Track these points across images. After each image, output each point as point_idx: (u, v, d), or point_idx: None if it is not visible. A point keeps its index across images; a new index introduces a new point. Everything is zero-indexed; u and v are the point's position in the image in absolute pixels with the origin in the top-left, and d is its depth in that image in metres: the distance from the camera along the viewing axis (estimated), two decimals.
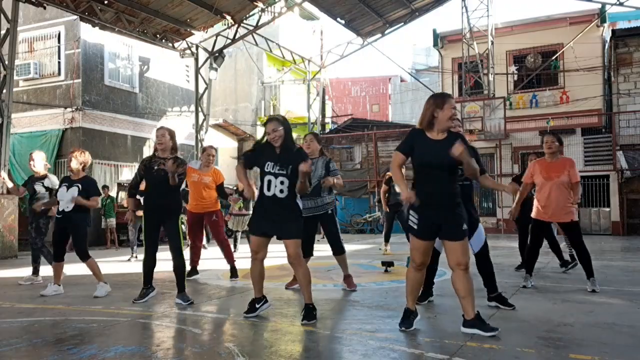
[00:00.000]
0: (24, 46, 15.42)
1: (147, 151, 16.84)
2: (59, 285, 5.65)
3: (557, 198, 5.28)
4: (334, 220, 5.62)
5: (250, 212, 9.79)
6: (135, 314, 4.51)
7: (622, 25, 19.97)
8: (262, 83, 22.94)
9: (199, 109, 16.69)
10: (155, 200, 4.97)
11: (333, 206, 5.61)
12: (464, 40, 17.79)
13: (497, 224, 17.40)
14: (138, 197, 5.48)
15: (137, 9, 13.78)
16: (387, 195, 9.75)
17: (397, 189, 7.84)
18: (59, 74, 15.21)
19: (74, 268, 6.87)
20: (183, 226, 6.24)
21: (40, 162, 6.62)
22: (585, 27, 17.54)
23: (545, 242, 6.28)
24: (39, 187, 6.56)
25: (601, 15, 17.40)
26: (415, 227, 3.60)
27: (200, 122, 16.67)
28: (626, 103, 17.12)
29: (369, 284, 6.07)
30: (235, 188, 9.10)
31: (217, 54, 16.65)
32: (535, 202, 5.52)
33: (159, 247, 5.16)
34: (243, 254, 9.88)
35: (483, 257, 4.54)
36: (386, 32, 18.79)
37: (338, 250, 5.60)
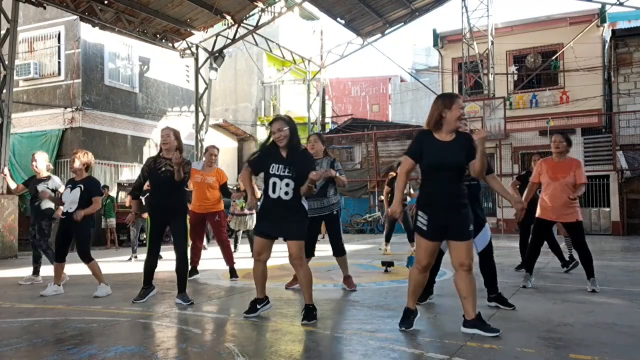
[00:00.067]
0: (24, 46, 15.43)
1: (147, 151, 16.85)
2: (59, 285, 5.66)
3: (562, 198, 5.27)
4: (338, 221, 5.62)
5: (251, 212, 9.81)
6: (135, 314, 4.50)
7: (622, 25, 19.98)
8: (262, 83, 22.94)
9: (199, 109, 16.69)
10: (160, 200, 4.98)
11: (339, 207, 5.62)
12: (464, 40, 17.80)
13: (497, 224, 17.40)
14: (141, 197, 5.50)
15: (137, 9, 13.78)
16: (389, 196, 9.76)
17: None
18: (59, 74, 15.22)
19: (74, 268, 6.86)
20: None
21: (42, 163, 6.63)
22: (585, 27, 17.55)
23: (545, 243, 6.28)
24: (41, 188, 6.56)
25: (601, 15, 17.41)
26: (424, 228, 3.55)
27: (200, 122, 16.67)
28: (626, 103, 17.13)
29: (369, 284, 6.06)
30: (236, 188, 9.12)
31: (217, 54, 16.65)
32: (540, 202, 5.51)
33: (161, 246, 5.15)
34: (243, 254, 9.89)
35: (487, 256, 4.54)
36: (386, 32, 18.79)
37: (339, 251, 5.60)
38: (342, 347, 3.40)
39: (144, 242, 13.81)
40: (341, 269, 5.69)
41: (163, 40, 15.65)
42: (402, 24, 18.46)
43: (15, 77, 12.62)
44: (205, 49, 16.80)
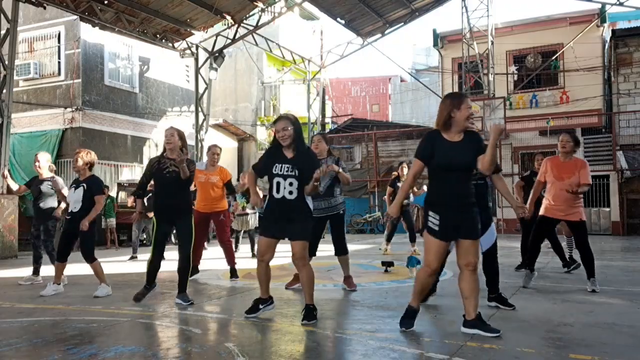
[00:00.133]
0: (24, 46, 15.42)
1: (147, 151, 16.86)
2: (59, 285, 5.66)
3: (567, 197, 5.27)
4: (343, 221, 5.63)
5: (253, 211, 9.82)
6: (135, 314, 4.50)
7: (622, 25, 19.98)
8: (262, 83, 22.94)
9: (199, 109, 16.68)
10: (164, 200, 4.98)
11: (344, 207, 5.62)
12: (464, 40, 17.79)
13: (497, 224, 17.40)
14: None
15: (137, 9, 13.77)
16: (391, 197, 9.75)
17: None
18: (59, 74, 15.21)
19: (74, 268, 6.87)
20: None
21: (45, 164, 6.64)
22: (585, 27, 17.55)
23: (545, 242, 6.28)
24: (45, 189, 6.57)
25: (601, 15, 17.41)
26: (436, 228, 3.51)
27: (200, 122, 16.66)
28: (626, 103, 17.14)
29: (369, 284, 6.06)
30: (237, 183, 9.16)
31: (217, 54, 16.64)
32: (544, 200, 5.50)
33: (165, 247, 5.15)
34: (244, 254, 9.89)
35: (491, 257, 4.54)
36: (386, 32, 18.77)
37: (342, 251, 5.60)
38: (342, 347, 3.40)
39: (144, 242, 13.80)
40: (342, 268, 5.68)
41: (163, 40, 15.65)
42: (402, 24, 18.43)
43: (15, 77, 12.61)
44: (205, 49, 16.79)
